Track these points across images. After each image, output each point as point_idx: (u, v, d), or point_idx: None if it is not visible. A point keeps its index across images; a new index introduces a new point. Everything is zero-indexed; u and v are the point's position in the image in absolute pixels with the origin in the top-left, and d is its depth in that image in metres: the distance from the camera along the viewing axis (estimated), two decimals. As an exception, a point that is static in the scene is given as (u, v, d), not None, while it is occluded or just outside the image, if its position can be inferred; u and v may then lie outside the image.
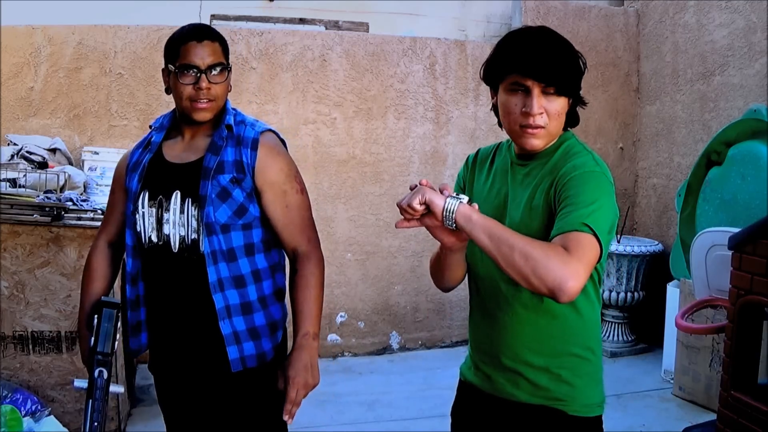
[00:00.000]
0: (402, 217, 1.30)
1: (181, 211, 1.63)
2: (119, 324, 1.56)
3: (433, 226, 1.30)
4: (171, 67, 1.63)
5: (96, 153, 3.61)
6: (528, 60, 1.31)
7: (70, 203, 2.89)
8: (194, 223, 1.62)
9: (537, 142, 1.36)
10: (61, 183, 3.20)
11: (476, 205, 1.26)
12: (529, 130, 1.34)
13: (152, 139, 1.73)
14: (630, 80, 4.79)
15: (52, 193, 3.02)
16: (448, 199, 1.25)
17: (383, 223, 4.37)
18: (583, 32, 4.65)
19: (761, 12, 3.70)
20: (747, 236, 2.32)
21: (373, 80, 4.31)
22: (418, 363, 4.20)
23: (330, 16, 4.80)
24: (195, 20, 1.74)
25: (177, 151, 1.70)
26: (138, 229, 1.67)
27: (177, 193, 1.64)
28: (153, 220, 1.65)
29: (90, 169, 3.56)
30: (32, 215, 2.74)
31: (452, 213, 1.24)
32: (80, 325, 1.76)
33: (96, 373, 1.45)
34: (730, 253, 2.41)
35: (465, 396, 1.57)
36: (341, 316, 4.33)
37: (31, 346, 2.80)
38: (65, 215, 2.84)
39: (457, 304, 4.51)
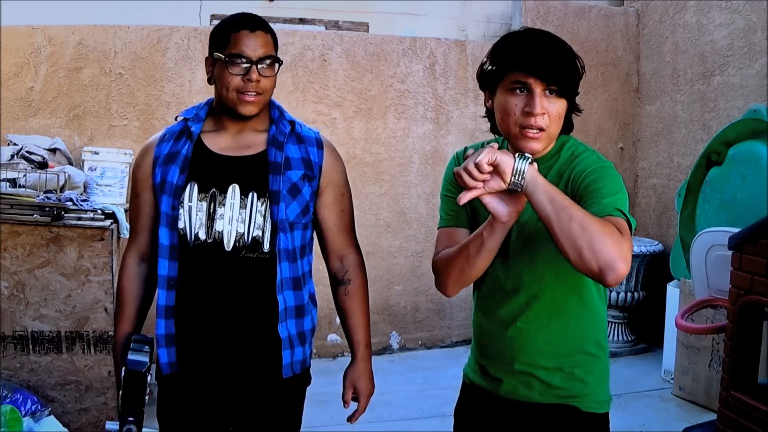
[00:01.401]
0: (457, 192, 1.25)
1: (242, 206, 1.54)
2: (148, 381, 1.48)
3: (497, 190, 1.21)
4: (218, 55, 1.53)
5: (96, 153, 3.60)
6: (531, 58, 1.30)
7: (70, 203, 2.89)
8: (260, 220, 1.54)
9: (537, 145, 1.33)
10: (61, 183, 3.20)
11: (536, 165, 1.22)
12: (530, 133, 1.31)
13: (191, 129, 1.59)
14: (630, 80, 4.79)
15: (52, 193, 3.02)
16: (517, 158, 1.19)
17: (383, 223, 4.37)
18: (583, 32, 4.65)
19: (761, 12, 3.70)
20: (747, 236, 2.32)
21: (373, 80, 4.31)
22: (418, 363, 4.20)
23: (330, 16, 4.80)
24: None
25: (224, 144, 1.59)
26: (182, 226, 1.54)
27: (235, 187, 1.54)
28: (203, 215, 1.53)
29: (90, 169, 3.56)
30: (32, 215, 2.74)
31: (524, 172, 1.18)
32: (114, 353, 1.65)
33: (125, 430, 1.44)
34: (730, 253, 2.41)
35: (470, 398, 1.56)
36: (341, 316, 4.33)
37: (31, 346, 2.80)
38: (65, 215, 2.84)
39: (457, 304, 4.50)
